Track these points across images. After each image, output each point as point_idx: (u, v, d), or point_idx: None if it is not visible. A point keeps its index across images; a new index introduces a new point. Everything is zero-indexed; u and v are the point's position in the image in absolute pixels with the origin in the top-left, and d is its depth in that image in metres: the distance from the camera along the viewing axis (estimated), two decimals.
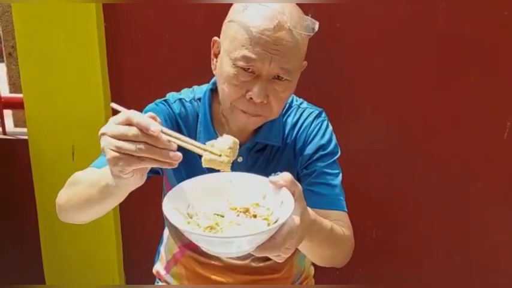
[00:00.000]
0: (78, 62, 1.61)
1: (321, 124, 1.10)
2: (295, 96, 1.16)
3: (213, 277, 1.15)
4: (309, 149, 1.08)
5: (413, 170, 1.68)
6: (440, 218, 1.72)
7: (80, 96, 1.64)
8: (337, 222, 0.99)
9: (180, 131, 1.06)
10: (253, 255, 1.01)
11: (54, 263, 1.80)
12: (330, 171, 1.07)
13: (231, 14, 0.98)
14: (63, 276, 1.80)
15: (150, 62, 1.64)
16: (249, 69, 0.93)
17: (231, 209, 0.76)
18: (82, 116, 1.65)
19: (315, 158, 1.07)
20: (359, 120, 1.65)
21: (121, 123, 0.67)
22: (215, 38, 1.02)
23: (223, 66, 0.97)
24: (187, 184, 0.77)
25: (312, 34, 0.96)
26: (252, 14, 0.92)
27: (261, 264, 1.15)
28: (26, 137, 1.74)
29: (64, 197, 0.93)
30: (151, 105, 1.08)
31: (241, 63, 0.92)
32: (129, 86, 1.69)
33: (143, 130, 0.65)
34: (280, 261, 0.77)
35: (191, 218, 0.74)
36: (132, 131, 0.66)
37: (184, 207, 0.75)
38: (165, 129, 0.70)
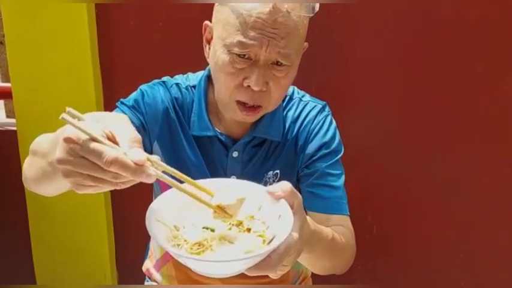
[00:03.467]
0: (68, 51, 1.57)
1: (325, 119, 1.04)
2: (296, 89, 1.09)
3: (204, 280, 1.10)
4: (311, 147, 1.02)
5: (414, 166, 1.65)
6: (442, 214, 1.69)
7: (70, 86, 1.60)
8: (338, 227, 0.94)
9: (175, 115, 1.01)
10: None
11: (44, 257, 1.77)
12: (332, 171, 1.01)
13: None
14: (53, 269, 1.77)
15: (143, 50, 1.60)
16: (245, 55, 0.87)
17: (223, 221, 0.68)
18: (72, 106, 1.58)
19: (317, 156, 1.02)
20: (360, 114, 1.62)
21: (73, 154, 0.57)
22: (206, 22, 0.96)
23: (217, 54, 0.90)
24: (175, 191, 0.66)
25: (313, 15, 0.90)
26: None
27: None
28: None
29: (26, 165, 0.83)
30: (146, 86, 1.02)
31: (236, 50, 0.86)
32: (120, 75, 1.65)
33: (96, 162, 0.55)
34: (275, 278, 0.72)
35: (178, 231, 0.67)
36: (83, 162, 0.56)
37: (171, 218, 0.67)
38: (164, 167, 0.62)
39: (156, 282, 1.19)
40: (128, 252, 1.77)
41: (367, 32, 1.53)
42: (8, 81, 2.22)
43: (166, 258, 1.15)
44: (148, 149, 1.01)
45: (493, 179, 1.63)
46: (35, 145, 0.80)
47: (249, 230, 0.66)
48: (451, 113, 1.58)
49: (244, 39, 0.85)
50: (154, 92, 1.00)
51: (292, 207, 0.66)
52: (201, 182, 0.68)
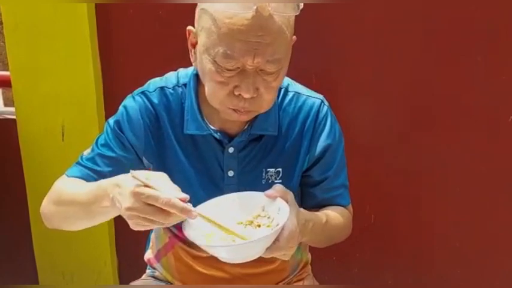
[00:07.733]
0: (67, 39, 1.55)
1: (326, 118, 1.04)
2: (291, 81, 1.07)
3: (204, 270, 1.10)
4: (317, 149, 1.04)
5: (413, 155, 1.64)
6: (440, 203, 1.69)
7: (69, 74, 1.59)
8: (336, 207, 1.07)
9: (160, 122, 1.00)
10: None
11: (44, 245, 1.78)
12: (338, 172, 1.07)
13: None
14: (53, 257, 1.78)
15: (142, 38, 1.59)
16: (232, 65, 0.85)
17: (238, 224, 0.90)
18: (72, 94, 1.61)
19: (324, 159, 1.05)
20: (359, 103, 1.61)
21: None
22: (190, 27, 0.93)
23: (203, 62, 0.89)
24: (199, 208, 0.88)
25: (298, 13, 0.87)
26: (225, 2, 0.82)
27: None
28: (15, 117, 1.68)
29: (53, 212, 0.99)
30: (128, 100, 1.02)
31: (222, 61, 0.84)
32: (120, 63, 1.64)
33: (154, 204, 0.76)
34: (286, 259, 0.90)
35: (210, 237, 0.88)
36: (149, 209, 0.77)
37: (203, 226, 0.87)
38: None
39: (157, 271, 1.20)
40: (128, 240, 1.78)
41: (368, 24, 1.52)
42: (6, 69, 2.22)
43: (167, 249, 1.15)
44: (139, 166, 1.01)
45: (493, 168, 1.62)
46: (62, 195, 0.97)
47: (259, 225, 0.89)
48: (452, 108, 1.58)
49: (229, 52, 0.83)
50: (134, 108, 1.00)
51: (286, 202, 0.86)
52: (208, 204, 0.91)
